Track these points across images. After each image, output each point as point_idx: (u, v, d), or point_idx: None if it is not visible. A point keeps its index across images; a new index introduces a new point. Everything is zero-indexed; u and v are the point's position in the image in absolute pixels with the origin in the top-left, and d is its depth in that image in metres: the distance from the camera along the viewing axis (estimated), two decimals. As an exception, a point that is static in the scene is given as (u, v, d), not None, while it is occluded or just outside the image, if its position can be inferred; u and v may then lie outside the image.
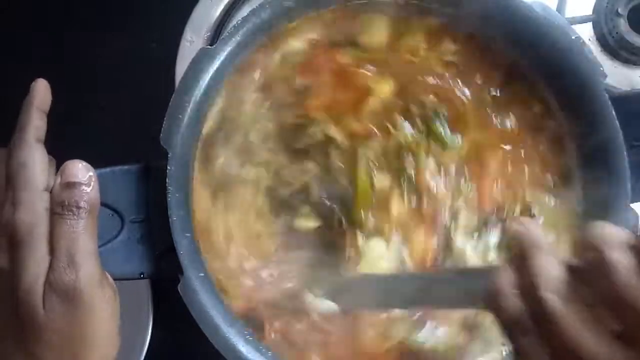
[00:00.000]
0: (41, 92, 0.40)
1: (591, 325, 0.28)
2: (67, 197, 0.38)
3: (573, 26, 0.45)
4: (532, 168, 0.48)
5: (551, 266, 0.30)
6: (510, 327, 0.31)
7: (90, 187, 0.39)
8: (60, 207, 0.38)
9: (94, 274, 0.38)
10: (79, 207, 0.38)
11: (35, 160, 0.38)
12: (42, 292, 0.37)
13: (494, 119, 0.48)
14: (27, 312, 0.37)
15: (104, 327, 0.39)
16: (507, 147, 0.48)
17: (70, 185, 0.38)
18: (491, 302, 0.32)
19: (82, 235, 0.38)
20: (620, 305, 0.27)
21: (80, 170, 0.39)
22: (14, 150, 0.39)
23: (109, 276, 0.41)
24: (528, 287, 0.30)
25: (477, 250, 0.47)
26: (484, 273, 0.34)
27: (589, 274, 0.29)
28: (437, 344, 0.46)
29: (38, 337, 0.37)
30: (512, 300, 0.31)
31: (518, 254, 0.32)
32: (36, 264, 0.37)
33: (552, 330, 0.29)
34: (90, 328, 0.38)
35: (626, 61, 0.60)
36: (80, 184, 0.38)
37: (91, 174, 0.39)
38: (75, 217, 0.38)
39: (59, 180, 0.39)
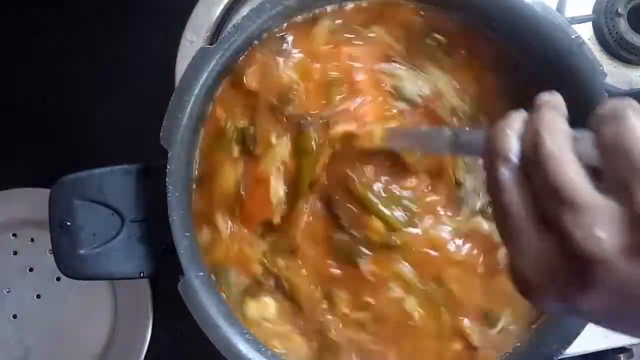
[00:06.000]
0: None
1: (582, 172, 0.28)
2: None
3: (573, 26, 0.45)
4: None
5: (559, 121, 0.30)
6: (495, 162, 0.30)
7: None
8: None
9: None
10: None
11: None
12: None
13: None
14: None
15: None
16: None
17: None
18: (490, 139, 0.31)
19: None
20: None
21: None
22: None
23: None
24: (531, 132, 0.29)
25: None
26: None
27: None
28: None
29: None
30: (508, 137, 0.30)
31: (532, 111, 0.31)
32: None
33: (540, 167, 0.28)
34: None
35: (626, 61, 0.60)
36: None
37: None
38: None
39: None
